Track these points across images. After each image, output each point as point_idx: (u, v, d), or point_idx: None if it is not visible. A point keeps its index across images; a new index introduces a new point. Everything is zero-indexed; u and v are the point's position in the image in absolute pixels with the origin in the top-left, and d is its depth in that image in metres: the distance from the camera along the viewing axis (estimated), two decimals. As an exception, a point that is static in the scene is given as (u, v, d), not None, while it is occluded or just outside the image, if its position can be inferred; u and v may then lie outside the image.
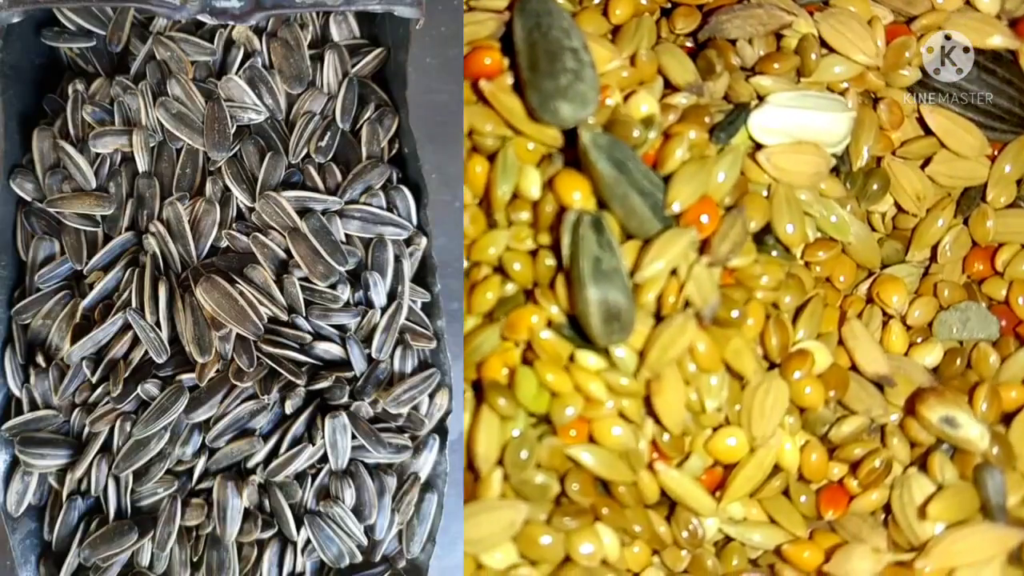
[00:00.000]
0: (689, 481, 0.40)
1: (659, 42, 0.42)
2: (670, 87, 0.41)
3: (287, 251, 0.42)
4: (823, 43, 0.42)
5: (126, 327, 0.41)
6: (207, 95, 0.43)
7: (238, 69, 0.44)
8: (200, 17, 0.41)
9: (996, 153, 0.44)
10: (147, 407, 0.41)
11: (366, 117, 0.45)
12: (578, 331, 0.39)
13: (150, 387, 0.41)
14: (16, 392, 0.42)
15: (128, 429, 0.41)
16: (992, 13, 0.44)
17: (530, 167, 0.39)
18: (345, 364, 0.42)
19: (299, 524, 0.42)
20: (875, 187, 0.43)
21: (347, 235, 0.43)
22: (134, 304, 0.41)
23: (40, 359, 0.42)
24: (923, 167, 0.44)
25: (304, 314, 0.42)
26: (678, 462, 0.41)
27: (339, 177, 0.44)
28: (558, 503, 0.40)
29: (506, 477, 0.39)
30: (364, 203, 0.43)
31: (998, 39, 0.43)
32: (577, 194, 0.38)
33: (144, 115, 0.43)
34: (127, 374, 0.41)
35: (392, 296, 0.43)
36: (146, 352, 0.41)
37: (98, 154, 0.43)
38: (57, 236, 0.43)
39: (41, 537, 0.42)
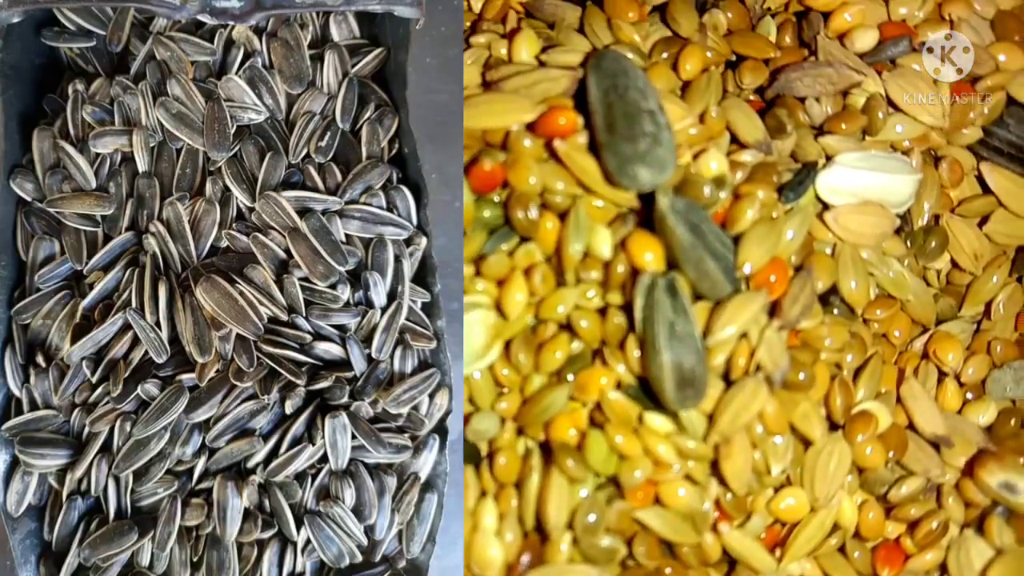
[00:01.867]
0: (751, 541, 0.40)
1: (725, 95, 0.42)
2: (735, 140, 0.41)
3: (287, 251, 0.42)
4: (889, 102, 0.42)
5: (126, 327, 0.41)
6: (207, 95, 0.43)
7: (238, 69, 0.44)
8: (200, 17, 0.41)
9: None
10: (147, 407, 0.41)
11: (366, 117, 0.45)
12: (646, 390, 0.39)
13: (150, 387, 0.41)
14: (16, 392, 0.42)
15: (128, 429, 0.41)
16: None
17: (601, 226, 0.39)
18: (345, 364, 0.42)
19: (299, 524, 0.42)
20: (934, 244, 0.43)
21: (347, 235, 0.43)
22: (134, 304, 0.41)
23: (40, 359, 0.42)
24: (980, 225, 0.44)
25: (304, 314, 0.42)
26: (740, 522, 0.41)
27: (339, 177, 0.44)
28: (623, 565, 0.40)
29: (575, 540, 0.39)
30: (364, 203, 0.43)
31: None
32: (649, 255, 0.38)
33: (144, 115, 0.43)
34: (127, 374, 0.41)
35: (392, 296, 0.43)
36: (146, 352, 0.41)
37: (98, 154, 0.43)
38: (57, 236, 0.43)
39: (41, 537, 0.42)
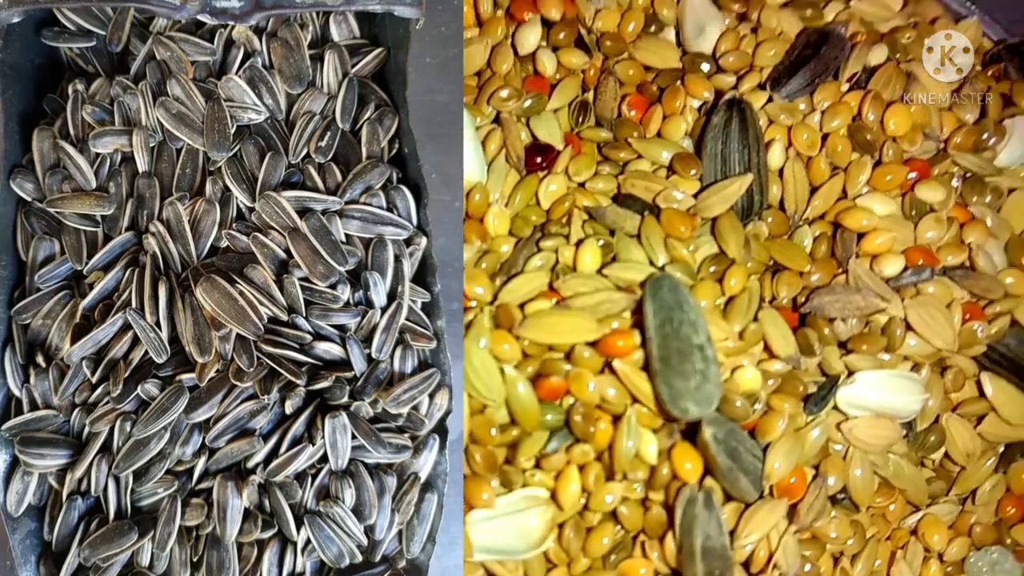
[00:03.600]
0: None
1: (761, 304, 0.46)
2: (767, 346, 0.46)
3: (287, 251, 0.42)
4: (907, 323, 0.46)
5: (126, 327, 0.41)
6: (207, 95, 0.43)
7: (238, 69, 0.44)
8: (200, 17, 0.41)
9: None
10: (147, 407, 0.41)
11: (366, 117, 0.45)
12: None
13: (150, 387, 0.41)
14: (16, 392, 0.42)
15: (128, 429, 0.41)
16: None
17: (649, 433, 0.44)
18: (345, 364, 0.42)
19: (299, 524, 0.42)
20: (932, 439, 0.47)
21: (347, 235, 0.43)
22: (134, 304, 0.41)
23: (40, 359, 0.42)
24: (975, 424, 0.48)
25: (304, 314, 0.42)
26: None
27: (339, 177, 0.44)
28: None
29: None
30: (364, 203, 0.43)
31: None
32: (689, 464, 0.43)
33: (144, 115, 0.43)
34: (127, 374, 0.41)
35: (392, 296, 0.43)
36: (146, 352, 0.41)
37: (98, 154, 0.43)
38: (57, 236, 0.43)
39: (41, 537, 0.42)
